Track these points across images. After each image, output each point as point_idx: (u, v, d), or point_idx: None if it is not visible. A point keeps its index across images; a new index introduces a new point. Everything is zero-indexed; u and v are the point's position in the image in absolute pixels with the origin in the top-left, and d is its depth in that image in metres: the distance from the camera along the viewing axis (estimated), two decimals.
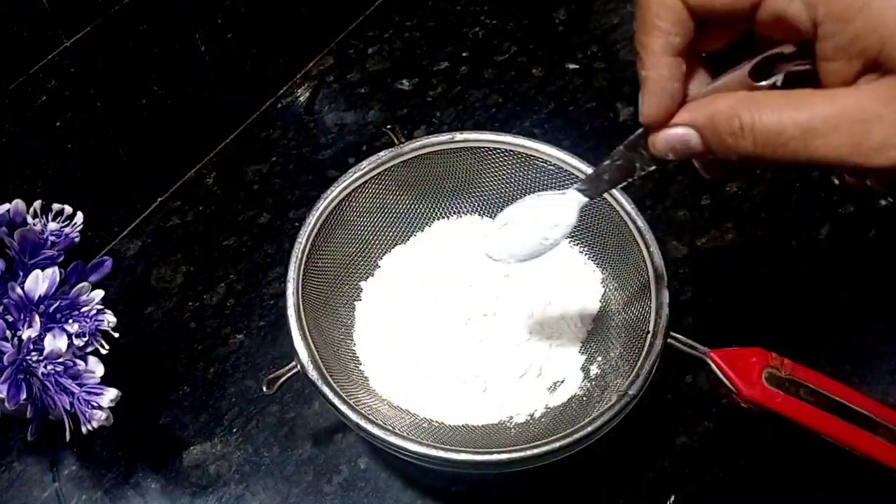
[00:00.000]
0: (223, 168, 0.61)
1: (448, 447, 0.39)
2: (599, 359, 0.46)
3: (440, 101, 0.65)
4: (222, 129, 0.63)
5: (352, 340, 0.48)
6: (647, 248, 0.45)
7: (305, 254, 0.45)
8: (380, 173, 0.49)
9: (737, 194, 0.58)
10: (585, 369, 0.46)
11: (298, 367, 0.41)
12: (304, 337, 0.42)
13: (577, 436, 0.39)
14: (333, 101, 0.66)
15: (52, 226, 0.43)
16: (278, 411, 0.49)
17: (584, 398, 0.44)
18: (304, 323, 0.43)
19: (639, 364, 0.41)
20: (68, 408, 0.39)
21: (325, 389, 0.40)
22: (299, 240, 0.45)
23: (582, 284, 0.49)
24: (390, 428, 0.40)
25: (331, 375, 0.41)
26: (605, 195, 0.46)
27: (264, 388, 0.41)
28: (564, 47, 0.68)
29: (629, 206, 0.46)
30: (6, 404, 0.38)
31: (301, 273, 0.44)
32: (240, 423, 0.48)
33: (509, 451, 0.38)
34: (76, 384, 0.39)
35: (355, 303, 0.49)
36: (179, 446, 0.48)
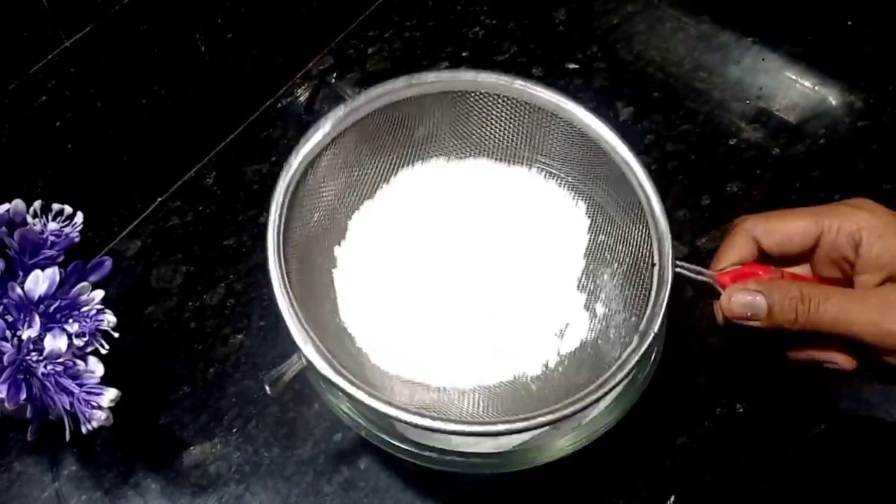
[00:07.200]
0: (223, 168, 0.61)
1: (463, 421, 0.36)
2: (602, 296, 0.44)
3: None
4: (222, 129, 0.63)
5: (339, 318, 0.44)
6: (636, 175, 0.42)
7: (281, 234, 0.40)
8: (338, 133, 0.44)
9: (737, 194, 0.58)
10: (590, 309, 0.44)
11: (303, 360, 0.38)
12: (300, 327, 0.38)
13: (608, 386, 0.36)
14: (333, 102, 0.65)
15: (52, 226, 0.43)
16: (278, 411, 0.49)
17: (599, 340, 0.42)
18: (298, 314, 0.39)
19: (652, 299, 0.39)
20: (68, 408, 0.39)
21: (339, 381, 0.37)
22: (270, 228, 0.41)
23: (564, 218, 0.46)
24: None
25: (337, 360, 0.38)
26: (583, 126, 0.45)
27: (267, 389, 0.40)
28: (564, 47, 0.68)
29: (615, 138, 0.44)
30: (6, 404, 0.39)
31: (281, 251, 0.40)
32: (240, 423, 0.48)
33: (542, 415, 0.36)
34: (76, 384, 0.39)
35: (332, 270, 0.45)
36: (179, 446, 0.48)
